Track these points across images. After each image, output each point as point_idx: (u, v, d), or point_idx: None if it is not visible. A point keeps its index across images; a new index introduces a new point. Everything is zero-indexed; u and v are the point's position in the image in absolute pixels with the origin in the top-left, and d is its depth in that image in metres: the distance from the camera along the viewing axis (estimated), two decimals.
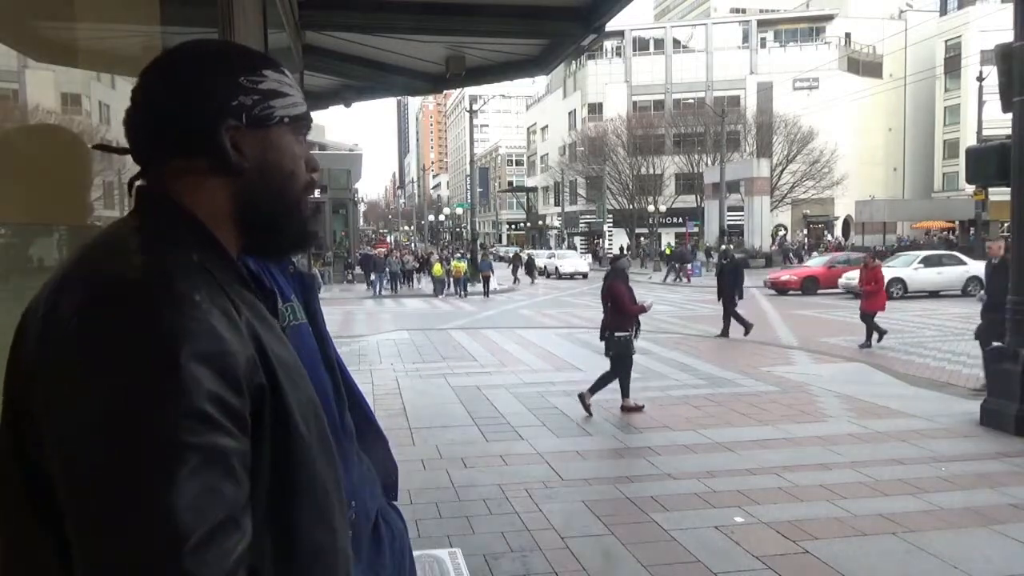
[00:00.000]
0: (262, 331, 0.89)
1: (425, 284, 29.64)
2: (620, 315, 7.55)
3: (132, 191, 0.97)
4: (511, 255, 39.89)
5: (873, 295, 12.44)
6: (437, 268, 27.40)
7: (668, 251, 38.71)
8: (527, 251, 44.43)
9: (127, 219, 0.94)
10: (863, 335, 12.30)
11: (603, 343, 7.77)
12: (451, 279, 26.76)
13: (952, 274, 21.73)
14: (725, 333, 13.71)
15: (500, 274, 30.96)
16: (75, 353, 0.77)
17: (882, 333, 12.39)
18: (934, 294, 21.47)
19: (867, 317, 12.43)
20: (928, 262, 22.38)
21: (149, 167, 0.96)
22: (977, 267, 17.94)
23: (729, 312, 13.78)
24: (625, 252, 38.25)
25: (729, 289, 13.96)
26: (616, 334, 7.52)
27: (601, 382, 7.58)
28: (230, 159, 0.93)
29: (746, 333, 13.35)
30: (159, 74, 0.96)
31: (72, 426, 0.76)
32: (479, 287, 26.41)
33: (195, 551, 0.73)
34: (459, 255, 34.36)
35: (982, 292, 8.81)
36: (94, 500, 0.74)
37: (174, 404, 0.75)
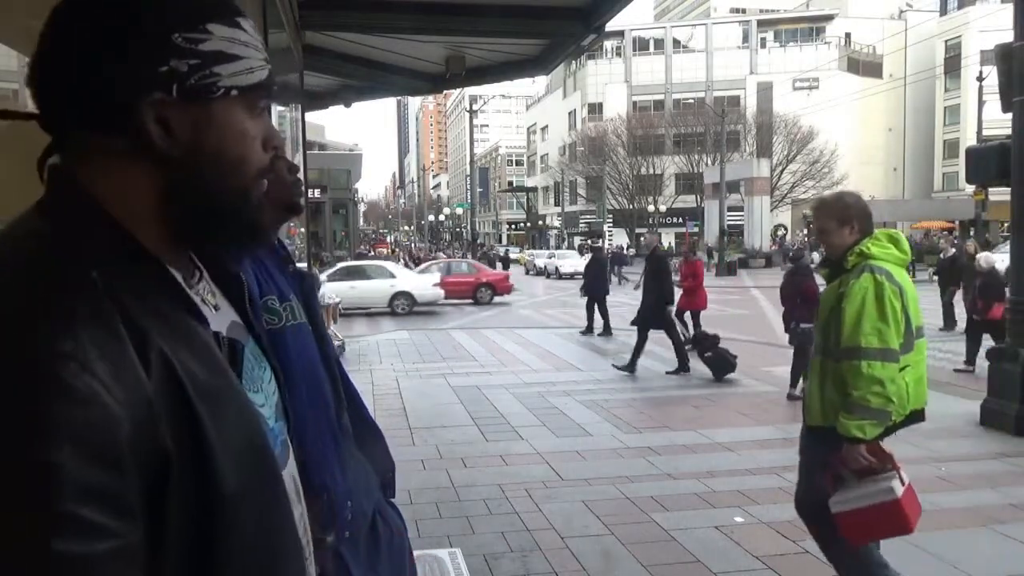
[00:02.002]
0: (183, 359, 0.69)
1: None
2: (808, 308, 7.98)
3: (42, 171, 0.76)
4: (494, 255, 40.88)
5: (692, 292, 11.39)
6: None
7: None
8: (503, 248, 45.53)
9: (28, 214, 0.73)
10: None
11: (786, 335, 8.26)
12: None
13: None
14: (589, 330, 13.60)
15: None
16: None
17: (686, 337, 10.94)
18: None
19: (682, 316, 11.27)
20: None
21: (64, 140, 0.75)
22: None
23: (592, 308, 13.64)
24: (623, 247, 38.21)
25: (591, 285, 13.64)
26: (802, 325, 7.81)
27: (795, 372, 7.94)
28: (154, 142, 0.72)
29: (605, 331, 13.37)
30: (70, 15, 0.73)
31: None
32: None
33: None
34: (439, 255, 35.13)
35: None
36: None
37: (21, 513, 0.56)
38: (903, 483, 2.85)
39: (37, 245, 0.69)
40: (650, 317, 9.86)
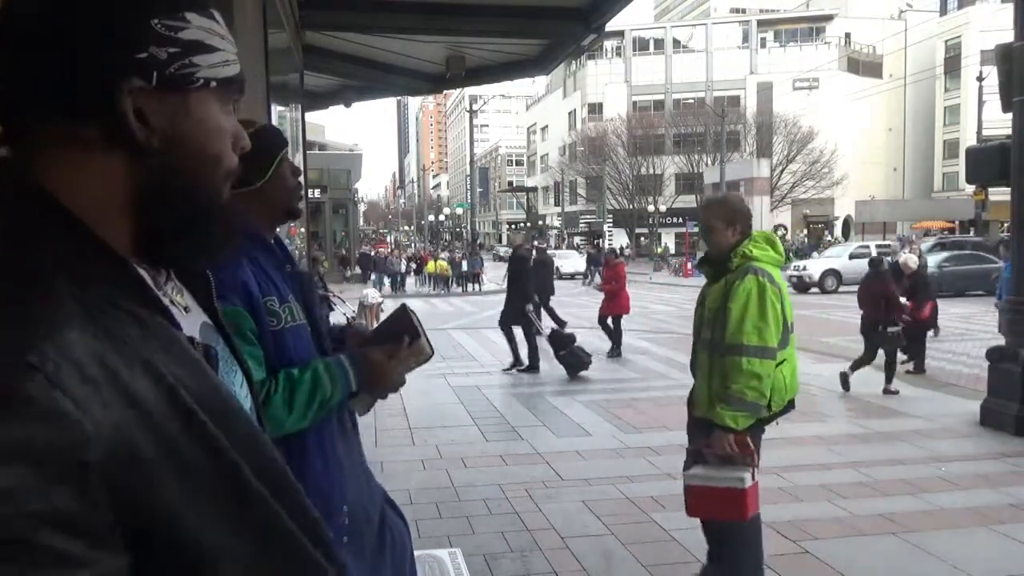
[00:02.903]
0: (175, 371, 0.64)
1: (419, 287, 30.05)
2: (892, 312, 8.40)
3: None
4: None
5: (614, 296, 10.93)
6: (431, 266, 29.24)
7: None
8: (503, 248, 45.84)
9: None
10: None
11: (863, 336, 8.66)
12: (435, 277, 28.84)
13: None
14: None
15: (493, 275, 31.13)
16: None
17: (616, 346, 10.85)
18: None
19: (605, 321, 11.07)
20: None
21: (14, 130, 0.69)
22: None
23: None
24: (600, 248, 38.16)
25: (537, 287, 13.31)
26: (890, 329, 8.28)
27: (890, 369, 8.26)
28: (133, 131, 0.68)
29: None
30: None
31: None
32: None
33: None
34: (444, 255, 36.05)
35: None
36: None
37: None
38: (753, 479, 3.11)
39: None
40: (509, 315, 9.89)
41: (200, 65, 0.72)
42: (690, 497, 3.15)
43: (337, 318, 11.88)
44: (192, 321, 0.81)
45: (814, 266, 25.73)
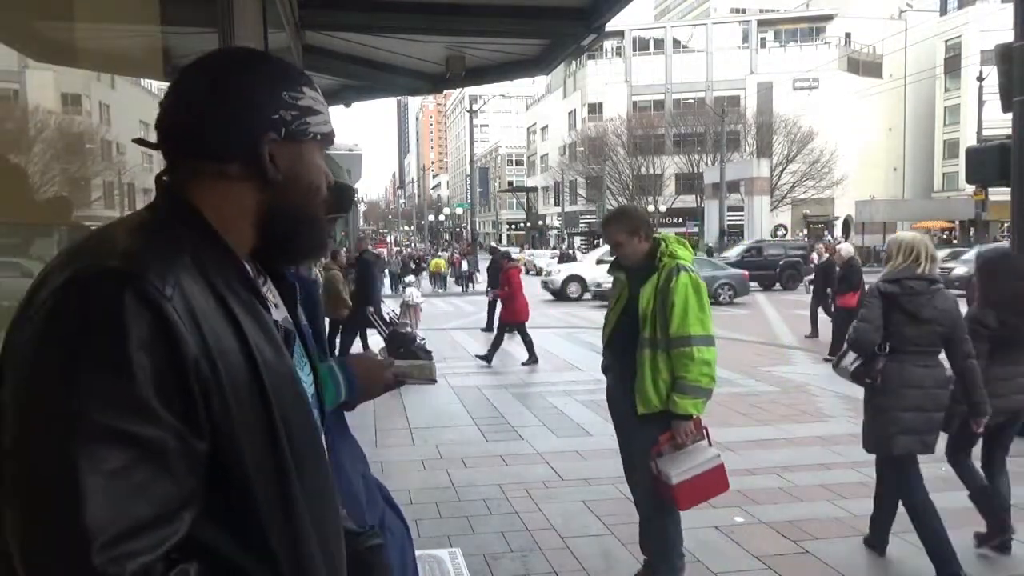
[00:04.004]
0: (252, 333, 0.89)
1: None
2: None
3: (159, 185, 0.99)
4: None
5: (508, 302, 10.42)
6: (434, 264, 30.47)
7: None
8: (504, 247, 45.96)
9: (140, 212, 0.97)
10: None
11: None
12: (430, 275, 29.87)
13: None
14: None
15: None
16: (37, 332, 0.79)
17: (530, 353, 10.51)
18: None
19: (509, 328, 10.64)
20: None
21: (176, 165, 0.98)
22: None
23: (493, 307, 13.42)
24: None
25: (492, 284, 13.43)
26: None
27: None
28: (267, 170, 0.96)
29: (487, 327, 13.66)
30: (204, 75, 0.97)
31: (10, 397, 0.79)
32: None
33: (106, 548, 0.73)
34: (439, 254, 37.20)
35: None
36: (18, 481, 0.76)
37: (109, 396, 0.76)
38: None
39: (143, 229, 0.91)
40: (353, 319, 9.74)
41: (311, 123, 1.02)
42: (681, 492, 3.25)
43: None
44: (278, 315, 1.05)
45: (558, 273, 23.88)
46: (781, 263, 25.42)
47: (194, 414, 0.81)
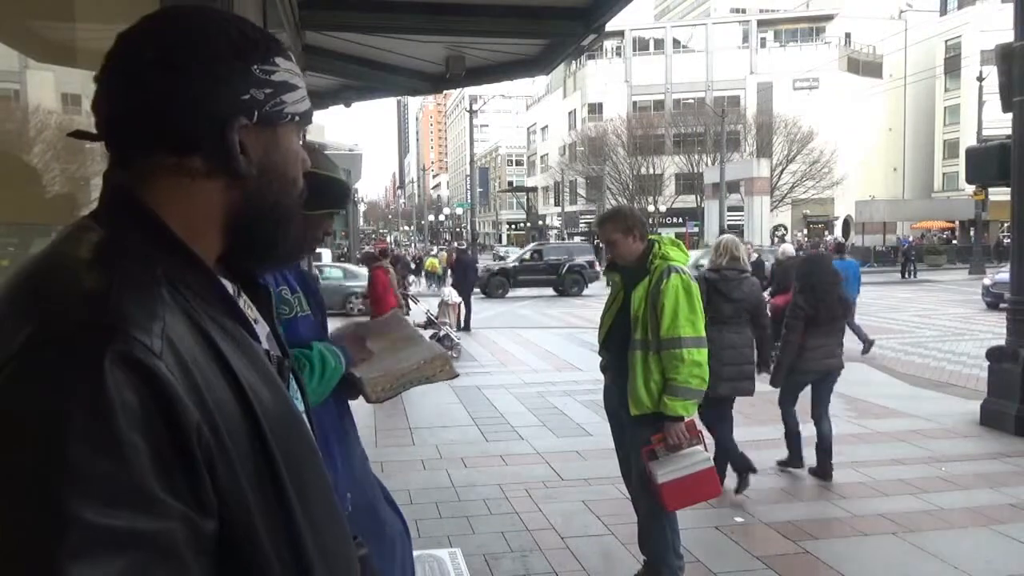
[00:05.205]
0: (241, 367, 0.73)
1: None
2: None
3: (105, 187, 0.80)
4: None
5: (376, 304, 9.09)
6: (429, 264, 30.92)
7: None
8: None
9: (84, 223, 0.76)
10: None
11: None
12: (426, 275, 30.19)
13: None
14: None
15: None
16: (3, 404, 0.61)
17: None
18: None
19: None
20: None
21: (124, 160, 0.78)
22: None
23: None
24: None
25: (458, 284, 14.70)
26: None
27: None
28: (237, 163, 0.77)
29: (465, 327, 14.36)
30: (153, 46, 0.76)
31: None
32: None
33: None
34: (434, 253, 37.22)
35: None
36: None
37: (101, 491, 0.59)
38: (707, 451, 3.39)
39: (102, 253, 0.71)
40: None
41: (287, 102, 0.82)
42: (667, 493, 3.29)
43: (418, 316, 12.27)
44: (261, 331, 0.90)
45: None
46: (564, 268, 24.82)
47: (200, 491, 0.65)
